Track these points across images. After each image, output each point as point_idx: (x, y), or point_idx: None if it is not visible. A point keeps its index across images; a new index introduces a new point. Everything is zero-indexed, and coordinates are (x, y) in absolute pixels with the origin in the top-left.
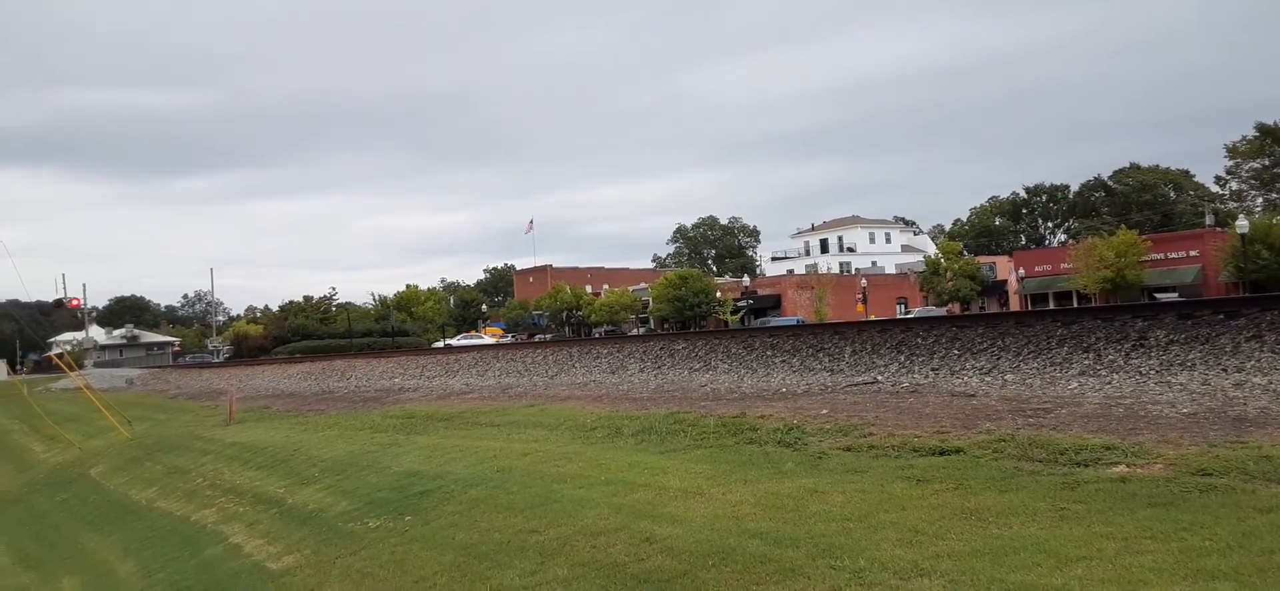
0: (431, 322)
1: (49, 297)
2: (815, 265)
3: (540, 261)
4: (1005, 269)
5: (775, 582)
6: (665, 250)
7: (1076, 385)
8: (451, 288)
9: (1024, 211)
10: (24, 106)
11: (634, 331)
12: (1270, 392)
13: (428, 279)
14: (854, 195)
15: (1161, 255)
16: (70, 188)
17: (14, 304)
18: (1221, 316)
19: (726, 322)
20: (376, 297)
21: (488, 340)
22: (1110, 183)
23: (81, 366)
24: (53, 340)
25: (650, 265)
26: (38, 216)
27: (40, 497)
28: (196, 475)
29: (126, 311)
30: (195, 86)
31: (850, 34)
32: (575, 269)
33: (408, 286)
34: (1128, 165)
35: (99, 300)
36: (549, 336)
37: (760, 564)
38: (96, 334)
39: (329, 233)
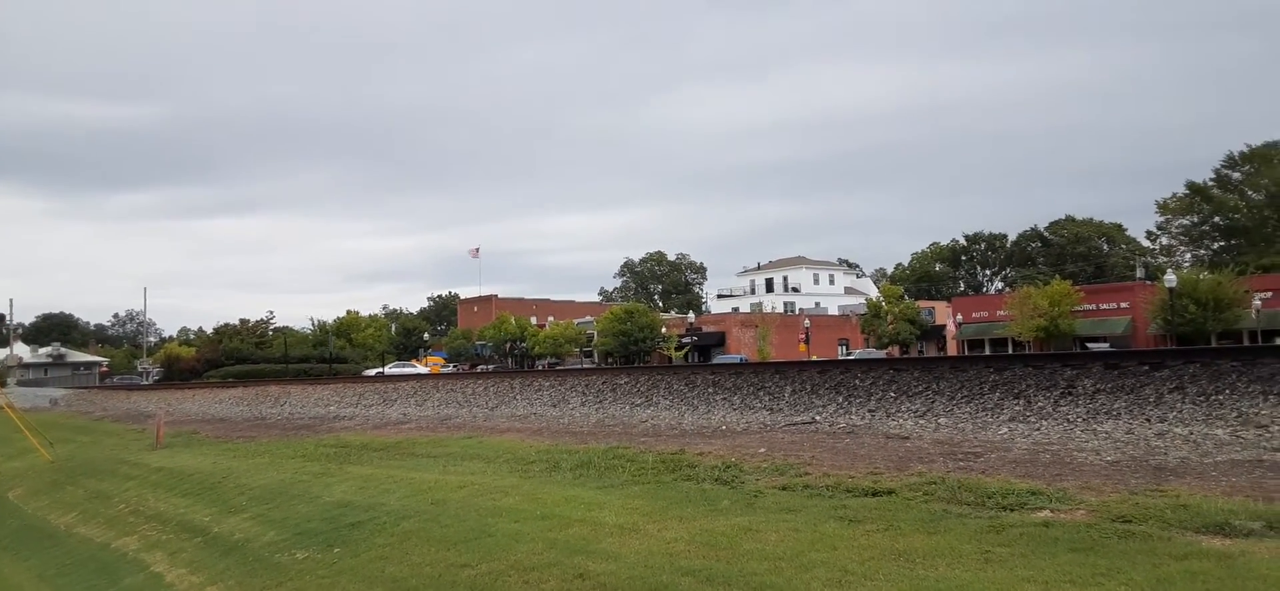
0: (371, 350)
1: None
2: (760, 304)
3: (485, 291)
4: (944, 314)
5: None
6: (612, 284)
7: (1007, 430)
8: (394, 315)
9: (963, 258)
10: None
11: (578, 365)
12: (1190, 443)
13: (371, 305)
14: (800, 235)
15: (1094, 306)
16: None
17: None
18: (1146, 367)
19: (670, 358)
20: (315, 323)
21: (422, 370)
22: (1046, 233)
23: (3, 384)
24: None
25: (597, 298)
26: None
27: None
28: (119, 500)
29: (54, 329)
30: (133, 99)
31: (801, 74)
32: (521, 300)
33: (348, 312)
34: (1063, 217)
35: (25, 316)
36: (492, 367)
37: None
38: (21, 351)
39: (270, 255)
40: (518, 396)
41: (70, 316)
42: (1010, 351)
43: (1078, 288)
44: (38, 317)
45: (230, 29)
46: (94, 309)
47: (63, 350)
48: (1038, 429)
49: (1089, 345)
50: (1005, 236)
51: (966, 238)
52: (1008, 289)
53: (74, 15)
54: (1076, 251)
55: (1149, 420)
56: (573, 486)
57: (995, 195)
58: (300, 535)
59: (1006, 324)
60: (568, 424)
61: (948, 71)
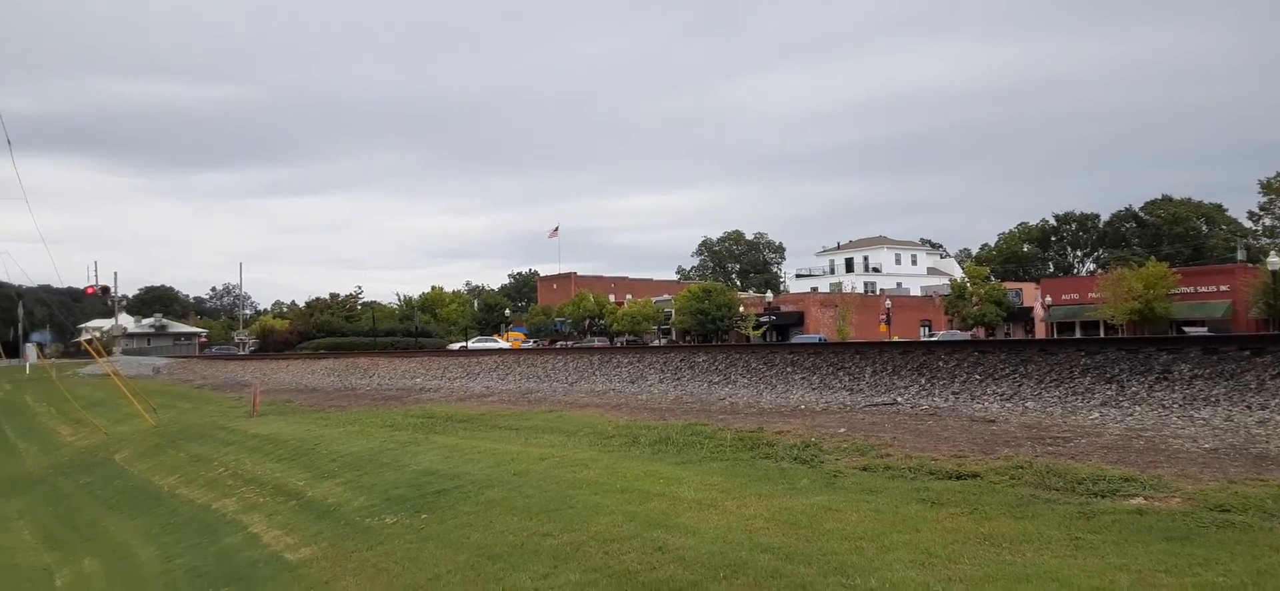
0: (455, 324)
1: (80, 284)
2: (840, 284)
3: (565, 268)
4: (1032, 296)
5: None
6: (690, 262)
7: (1098, 415)
8: (476, 291)
9: (1053, 239)
10: (59, 95)
11: (654, 342)
12: None
13: (453, 281)
14: (881, 215)
15: (1191, 288)
16: (102, 177)
17: (46, 289)
18: (1247, 353)
19: (748, 337)
20: (402, 298)
21: (504, 345)
22: (1141, 214)
23: (110, 353)
24: (83, 326)
25: (674, 277)
26: (70, 204)
27: (65, 480)
28: (218, 464)
29: (156, 301)
30: (225, 80)
31: (883, 50)
32: (599, 277)
33: (433, 288)
34: (1159, 197)
35: (129, 288)
36: (571, 344)
37: (771, 578)
38: (126, 322)
39: (356, 231)
40: (597, 372)
41: (171, 289)
42: (1102, 334)
43: (1174, 269)
44: (141, 290)
45: (310, 12)
46: (192, 282)
47: (164, 321)
48: (1131, 414)
49: (1186, 329)
50: (1097, 216)
51: (1057, 217)
52: (1100, 270)
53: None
54: (1173, 232)
55: (1249, 407)
56: (651, 461)
57: (1087, 174)
58: (389, 501)
59: (1098, 306)
60: (646, 400)
61: (1035, 48)
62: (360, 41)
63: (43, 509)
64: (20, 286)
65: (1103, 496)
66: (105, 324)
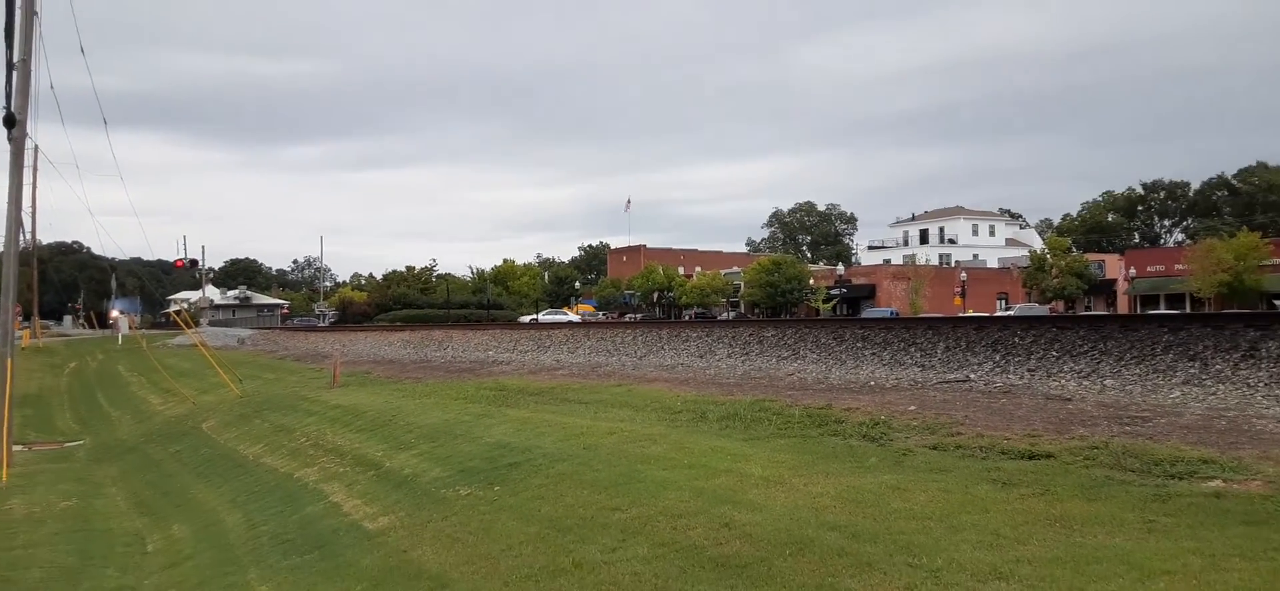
0: (526, 297)
1: (169, 256)
2: (914, 256)
3: (634, 241)
4: (1115, 268)
5: (851, 575)
6: (760, 234)
7: (1179, 394)
8: (547, 263)
9: (1140, 208)
10: (148, 71)
11: (723, 316)
12: None
13: (524, 254)
14: (958, 184)
15: None
16: (188, 152)
17: (137, 261)
18: None
19: (817, 311)
20: (474, 270)
21: (573, 318)
22: (1234, 181)
23: (197, 324)
24: (172, 298)
25: (744, 249)
26: (160, 178)
27: (155, 447)
28: (300, 434)
29: (240, 273)
30: (310, 55)
31: (961, 10)
32: (669, 250)
33: (504, 260)
34: (1254, 164)
35: (215, 261)
36: (639, 317)
37: (837, 556)
38: (212, 294)
39: (431, 204)
40: (665, 346)
41: (255, 261)
42: (1187, 309)
43: (1268, 240)
44: (226, 262)
45: None
46: (275, 255)
47: (248, 293)
48: (1213, 393)
49: (1277, 303)
50: (1187, 184)
51: (1144, 186)
52: (1188, 241)
53: None
54: (1269, 201)
55: None
56: (719, 437)
57: (1179, 139)
58: (463, 472)
59: (1185, 279)
60: (714, 375)
61: (1122, 7)
62: (441, 16)
63: (135, 476)
64: (113, 259)
65: (1180, 478)
66: (192, 296)
